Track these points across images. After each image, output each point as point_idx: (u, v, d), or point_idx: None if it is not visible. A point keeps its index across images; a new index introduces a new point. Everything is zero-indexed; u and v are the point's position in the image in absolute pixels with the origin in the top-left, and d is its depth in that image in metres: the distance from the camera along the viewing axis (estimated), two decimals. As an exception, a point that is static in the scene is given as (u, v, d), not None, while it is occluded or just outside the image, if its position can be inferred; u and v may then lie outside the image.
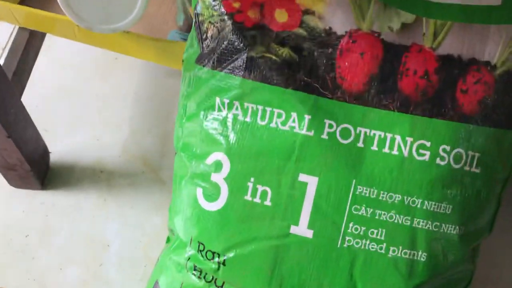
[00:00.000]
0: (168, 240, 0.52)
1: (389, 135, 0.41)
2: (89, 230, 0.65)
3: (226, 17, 0.42)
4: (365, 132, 0.41)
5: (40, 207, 0.66)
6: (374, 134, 0.41)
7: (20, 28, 0.63)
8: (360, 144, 0.41)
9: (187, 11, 0.63)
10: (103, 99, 0.76)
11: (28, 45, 0.62)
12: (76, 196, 0.67)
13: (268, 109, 0.41)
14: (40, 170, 0.65)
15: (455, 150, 0.41)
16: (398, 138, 0.41)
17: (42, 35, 0.67)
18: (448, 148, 0.41)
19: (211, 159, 0.43)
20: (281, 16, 0.42)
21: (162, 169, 0.70)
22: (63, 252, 0.63)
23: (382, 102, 0.41)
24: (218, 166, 0.43)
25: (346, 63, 0.41)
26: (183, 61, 0.48)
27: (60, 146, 0.71)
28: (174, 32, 0.63)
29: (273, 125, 0.41)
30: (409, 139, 0.41)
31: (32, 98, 0.66)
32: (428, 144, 0.41)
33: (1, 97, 0.53)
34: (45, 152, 0.67)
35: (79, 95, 0.76)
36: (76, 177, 0.69)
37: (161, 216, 0.66)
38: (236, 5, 0.42)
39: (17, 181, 0.65)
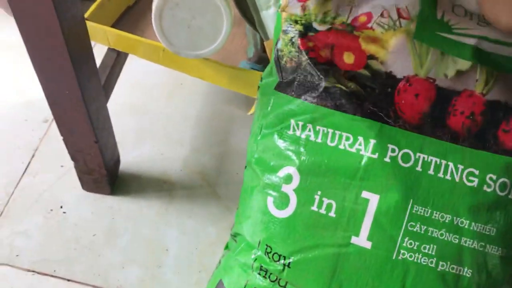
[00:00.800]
0: (227, 246, 0.57)
1: (443, 162, 0.46)
2: (151, 234, 0.71)
3: (302, 53, 0.49)
4: (423, 158, 0.46)
5: (107, 210, 0.73)
6: (431, 160, 0.46)
7: (109, 48, 0.71)
8: (419, 168, 0.46)
9: (257, 45, 0.71)
10: (168, 119, 0.84)
11: (115, 64, 0.70)
12: (141, 203, 0.74)
13: (338, 132, 0.48)
14: (112, 177, 0.72)
15: (501, 180, 0.46)
16: (451, 165, 0.46)
17: (126, 56, 0.75)
18: (494, 177, 0.46)
19: (282, 172, 0.49)
20: (348, 58, 0.49)
21: (218, 185, 0.76)
22: (126, 253, 0.69)
23: (436, 133, 0.47)
24: (288, 178, 0.49)
25: (403, 101, 0.47)
26: (259, 87, 0.55)
27: (128, 157, 0.78)
28: (244, 62, 0.71)
29: (341, 146, 0.47)
30: (460, 167, 0.46)
31: (107, 112, 0.73)
32: (476, 172, 0.46)
33: (96, 105, 0.60)
34: (118, 161, 0.74)
35: (147, 113, 0.84)
36: (141, 186, 0.75)
37: (215, 227, 0.72)
38: (310, 44, 0.49)
39: (90, 184, 0.72)
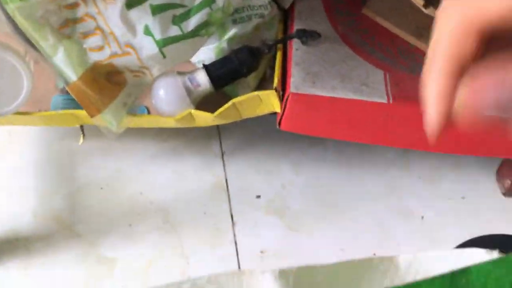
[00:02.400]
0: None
1: None
2: (17, 298, 0.67)
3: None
4: None
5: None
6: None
7: None
8: None
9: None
10: (6, 174, 0.79)
11: None
12: (-3, 270, 0.70)
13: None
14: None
15: None
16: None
17: None
18: None
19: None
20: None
21: (76, 224, 0.74)
22: (-5, 326, 0.65)
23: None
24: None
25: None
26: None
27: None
28: (57, 96, 0.69)
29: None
30: None
31: None
32: None
33: None
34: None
35: (-20, 175, 0.79)
36: (-8, 251, 0.71)
37: (83, 266, 0.70)
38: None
39: None
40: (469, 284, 0.23)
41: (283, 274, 0.27)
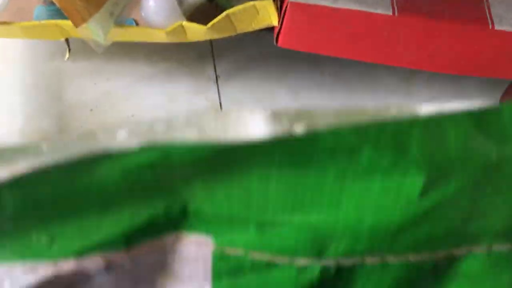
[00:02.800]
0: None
1: None
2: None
3: None
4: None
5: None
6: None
7: None
8: None
9: (48, -15, 0.64)
10: (-11, 93, 0.76)
11: None
12: (-16, 189, 0.68)
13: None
14: None
15: None
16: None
17: None
18: None
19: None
20: None
21: (65, 145, 0.72)
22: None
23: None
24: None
25: None
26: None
27: (-45, 147, 0.70)
28: (40, 7, 0.65)
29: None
30: None
31: None
32: None
33: None
34: None
35: (-38, 94, 0.76)
36: (-21, 172, 0.69)
37: (74, 187, 0.68)
38: None
39: None
40: (499, 122, 0.21)
41: (276, 116, 0.24)
